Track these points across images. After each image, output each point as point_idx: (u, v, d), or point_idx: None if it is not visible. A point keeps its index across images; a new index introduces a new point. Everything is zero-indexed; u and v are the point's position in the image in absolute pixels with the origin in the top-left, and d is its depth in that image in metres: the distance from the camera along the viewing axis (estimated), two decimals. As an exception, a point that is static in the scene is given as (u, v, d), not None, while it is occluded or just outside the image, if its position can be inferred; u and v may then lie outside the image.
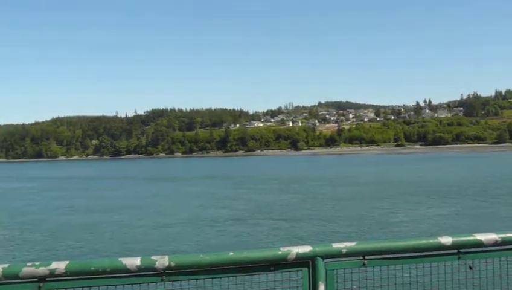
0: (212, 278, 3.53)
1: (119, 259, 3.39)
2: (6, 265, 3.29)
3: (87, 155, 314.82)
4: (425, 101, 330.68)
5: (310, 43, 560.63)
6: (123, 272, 3.38)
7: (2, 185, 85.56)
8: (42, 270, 3.28)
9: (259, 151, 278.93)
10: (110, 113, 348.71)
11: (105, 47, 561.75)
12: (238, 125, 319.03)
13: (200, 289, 3.53)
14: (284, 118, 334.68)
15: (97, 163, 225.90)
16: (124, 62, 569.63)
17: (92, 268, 3.33)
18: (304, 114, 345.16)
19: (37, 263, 3.31)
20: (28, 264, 3.30)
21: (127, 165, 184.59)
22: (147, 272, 3.41)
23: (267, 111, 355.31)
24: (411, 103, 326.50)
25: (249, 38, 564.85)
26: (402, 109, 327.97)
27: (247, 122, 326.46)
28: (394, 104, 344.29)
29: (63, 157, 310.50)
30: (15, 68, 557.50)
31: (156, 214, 41.71)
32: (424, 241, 3.88)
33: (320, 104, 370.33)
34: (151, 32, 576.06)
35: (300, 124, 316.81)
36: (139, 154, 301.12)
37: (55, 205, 51.31)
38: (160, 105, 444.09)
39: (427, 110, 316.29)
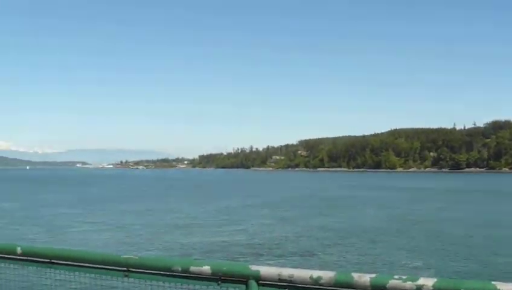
0: None
1: (493, 283, 3.16)
2: (373, 275, 3.40)
3: (425, 167, 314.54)
4: None
5: None
6: None
7: (371, 194, 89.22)
8: (409, 285, 3.26)
9: None
10: (447, 125, 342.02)
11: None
12: None
13: None
14: None
15: (436, 175, 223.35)
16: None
17: (462, 289, 3.18)
18: None
19: (403, 277, 3.33)
20: (395, 277, 3.34)
21: (469, 179, 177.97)
22: None
23: None
24: None
25: None
26: None
27: None
28: None
29: (400, 169, 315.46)
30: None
31: None
32: None
33: None
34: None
35: None
36: (479, 167, 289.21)
37: (440, 216, 50.77)
38: (501, 117, 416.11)
39: None
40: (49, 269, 4.50)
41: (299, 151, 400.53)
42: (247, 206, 60.93)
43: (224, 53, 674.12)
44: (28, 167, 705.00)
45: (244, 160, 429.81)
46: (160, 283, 3.95)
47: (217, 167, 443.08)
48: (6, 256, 4.67)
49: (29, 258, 4.59)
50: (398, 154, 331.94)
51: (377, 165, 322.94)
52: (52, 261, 4.45)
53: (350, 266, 25.89)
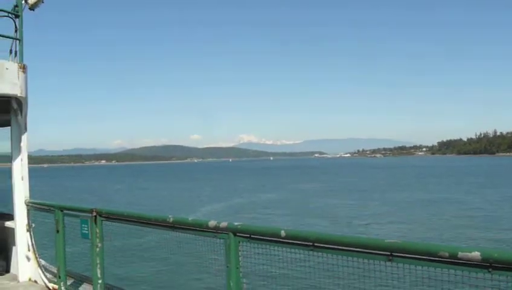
0: None
1: None
2: None
3: None
4: None
5: None
6: None
7: None
8: None
9: None
10: None
11: None
12: None
13: None
14: None
15: None
16: None
17: None
18: None
19: None
20: None
21: None
22: None
23: None
24: None
25: None
26: None
27: None
28: None
29: None
30: None
31: None
32: None
33: None
34: None
35: None
36: None
37: None
38: None
39: None
40: (311, 251, 4.71)
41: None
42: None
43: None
44: (271, 158, 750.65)
45: (488, 145, 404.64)
46: (425, 269, 3.88)
47: (458, 153, 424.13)
48: (271, 239, 5.04)
49: (292, 241, 4.87)
50: None
51: None
52: (315, 244, 4.65)
53: None
